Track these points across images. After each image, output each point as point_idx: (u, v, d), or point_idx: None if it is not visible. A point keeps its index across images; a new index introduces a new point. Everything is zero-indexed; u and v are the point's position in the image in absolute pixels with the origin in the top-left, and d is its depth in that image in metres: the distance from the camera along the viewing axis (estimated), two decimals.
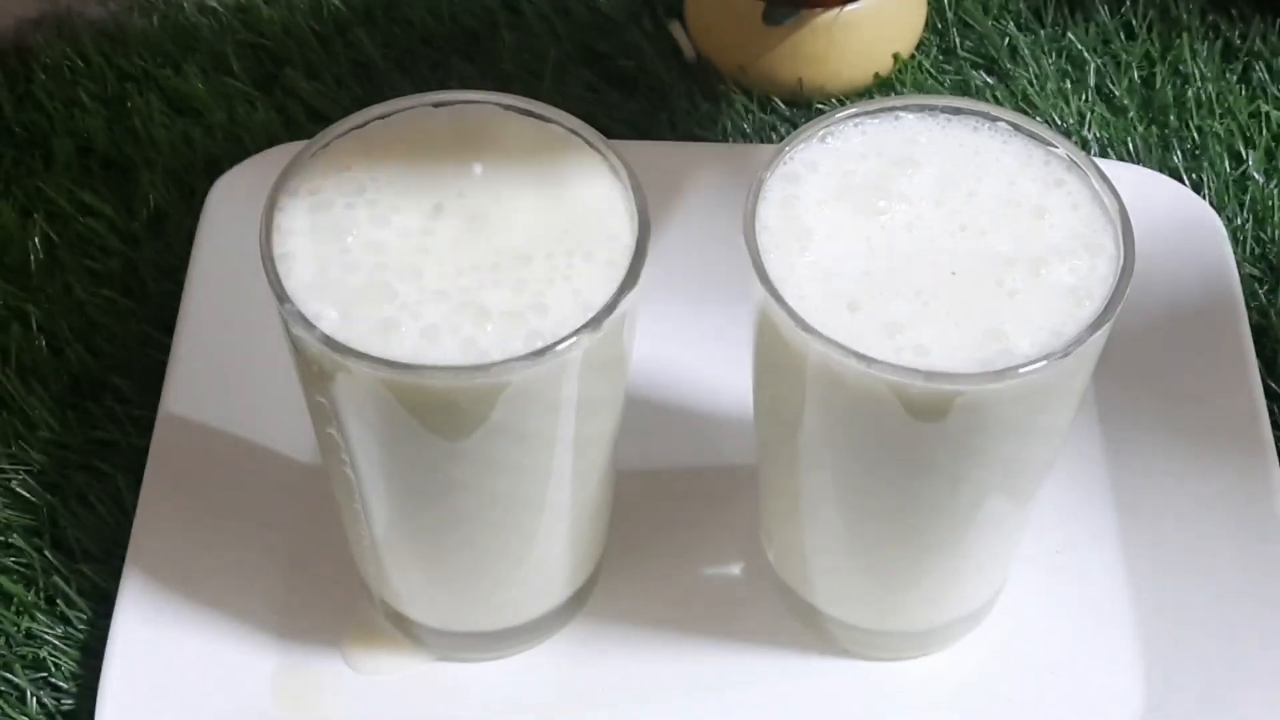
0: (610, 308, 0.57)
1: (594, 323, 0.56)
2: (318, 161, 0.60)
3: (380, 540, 0.64)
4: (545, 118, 0.61)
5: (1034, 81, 0.85)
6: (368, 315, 0.57)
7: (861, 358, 0.56)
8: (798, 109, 0.84)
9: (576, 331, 0.56)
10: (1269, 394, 0.74)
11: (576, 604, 0.69)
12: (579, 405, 0.59)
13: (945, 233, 0.59)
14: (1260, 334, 0.76)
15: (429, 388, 0.56)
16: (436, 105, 0.62)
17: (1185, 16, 0.87)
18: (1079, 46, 0.86)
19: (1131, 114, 0.84)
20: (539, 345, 0.56)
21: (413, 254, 0.58)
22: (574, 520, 0.64)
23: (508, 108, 0.62)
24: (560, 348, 0.56)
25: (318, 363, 0.57)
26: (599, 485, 0.64)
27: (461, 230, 0.59)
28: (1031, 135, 0.61)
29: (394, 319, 0.57)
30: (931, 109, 0.62)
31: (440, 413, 0.57)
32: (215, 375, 0.73)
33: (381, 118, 0.61)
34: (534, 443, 0.59)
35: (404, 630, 0.68)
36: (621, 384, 0.62)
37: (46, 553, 0.70)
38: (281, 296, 0.57)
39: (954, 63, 0.86)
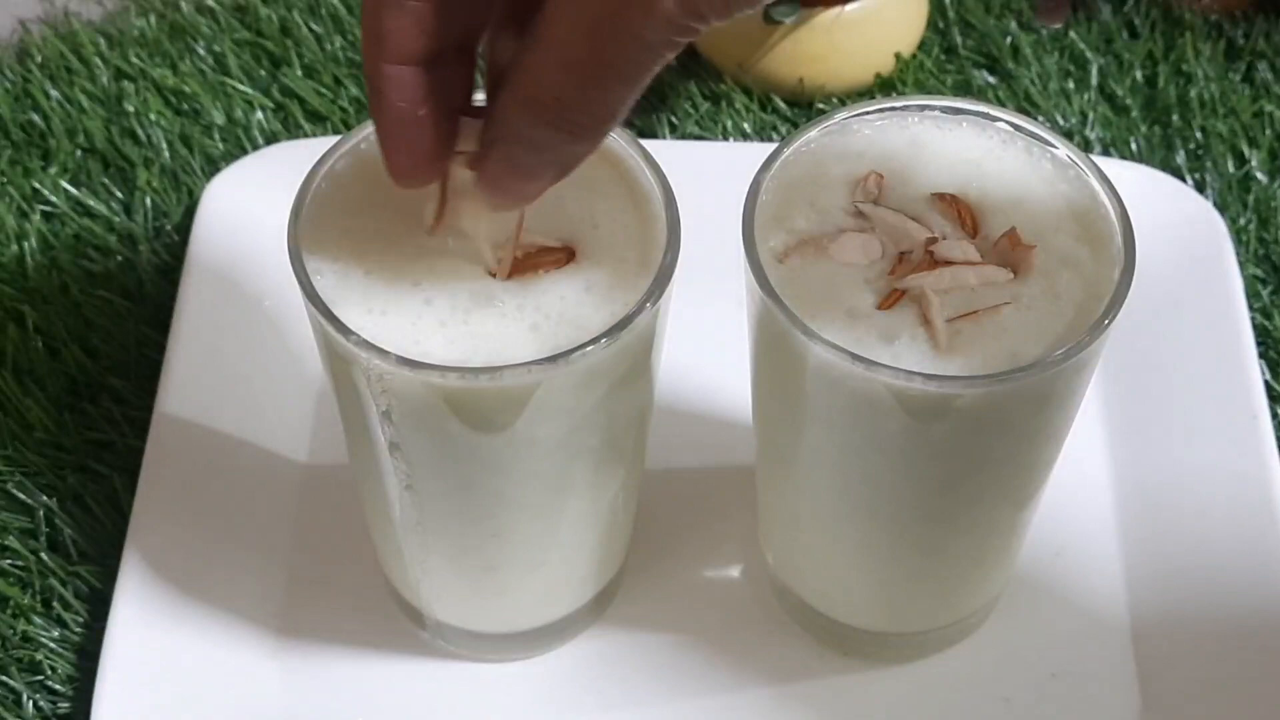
0: (628, 320, 0.56)
1: (611, 334, 0.56)
2: (344, 162, 0.60)
3: (403, 537, 0.64)
4: None
5: (1036, 81, 0.85)
6: (392, 313, 0.57)
7: (862, 361, 0.56)
8: (798, 108, 0.84)
9: (594, 340, 0.56)
10: (1271, 396, 0.74)
11: (598, 608, 0.69)
12: (598, 414, 0.59)
13: (946, 234, 0.59)
14: (1263, 335, 0.76)
15: (444, 388, 0.56)
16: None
17: (1188, 16, 0.87)
18: (1081, 46, 0.86)
19: (1134, 114, 0.84)
20: (556, 351, 0.56)
21: (439, 256, 0.58)
22: (594, 527, 0.64)
23: None
24: (574, 356, 0.56)
25: (357, 364, 0.57)
26: (621, 492, 0.64)
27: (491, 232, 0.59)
28: (1033, 135, 0.61)
29: (418, 315, 0.57)
30: (933, 109, 0.62)
31: (457, 414, 0.57)
32: (211, 376, 0.73)
33: None
34: (548, 448, 0.59)
35: (425, 629, 0.68)
36: (644, 396, 0.61)
37: (42, 555, 0.70)
38: (325, 312, 0.56)
39: (956, 62, 0.86)
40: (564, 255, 0.58)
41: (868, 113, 0.62)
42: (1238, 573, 0.69)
